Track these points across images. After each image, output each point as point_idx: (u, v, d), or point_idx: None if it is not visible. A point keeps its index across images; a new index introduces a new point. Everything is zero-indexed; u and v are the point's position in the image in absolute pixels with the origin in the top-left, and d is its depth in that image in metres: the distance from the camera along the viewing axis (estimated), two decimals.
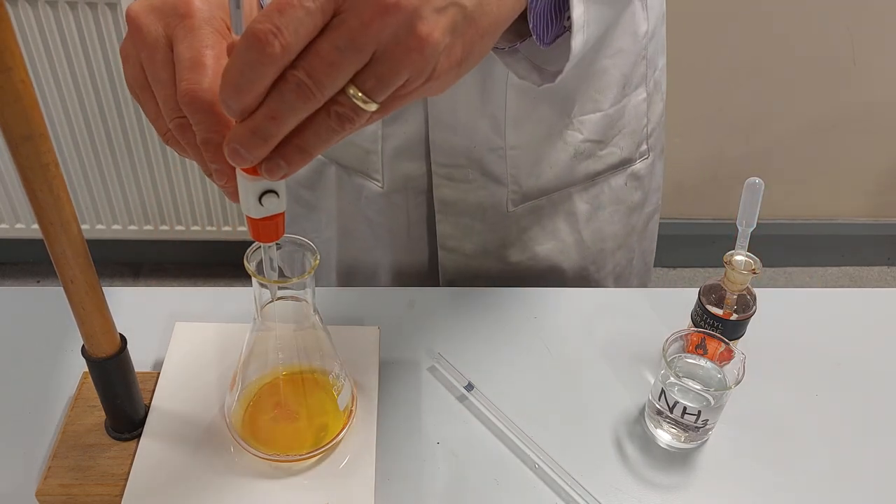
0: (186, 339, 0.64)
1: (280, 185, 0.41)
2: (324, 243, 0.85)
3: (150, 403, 0.59)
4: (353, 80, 0.35)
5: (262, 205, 0.41)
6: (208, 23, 0.39)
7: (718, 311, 0.63)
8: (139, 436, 0.56)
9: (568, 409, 0.63)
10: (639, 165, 0.79)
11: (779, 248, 2.04)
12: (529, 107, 0.70)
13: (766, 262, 0.63)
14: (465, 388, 0.63)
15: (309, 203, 0.84)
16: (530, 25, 0.47)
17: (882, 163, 1.91)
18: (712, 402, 0.57)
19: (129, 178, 1.69)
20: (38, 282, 1.92)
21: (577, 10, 0.47)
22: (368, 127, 0.69)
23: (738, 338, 0.64)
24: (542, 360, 0.67)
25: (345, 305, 0.71)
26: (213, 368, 0.62)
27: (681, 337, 0.60)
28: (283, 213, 0.43)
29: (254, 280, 0.49)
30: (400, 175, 0.75)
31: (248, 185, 0.40)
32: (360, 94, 0.35)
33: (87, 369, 0.53)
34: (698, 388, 0.58)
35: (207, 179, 0.43)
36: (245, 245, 0.47)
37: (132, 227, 1.77)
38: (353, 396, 0.58)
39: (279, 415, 0.57)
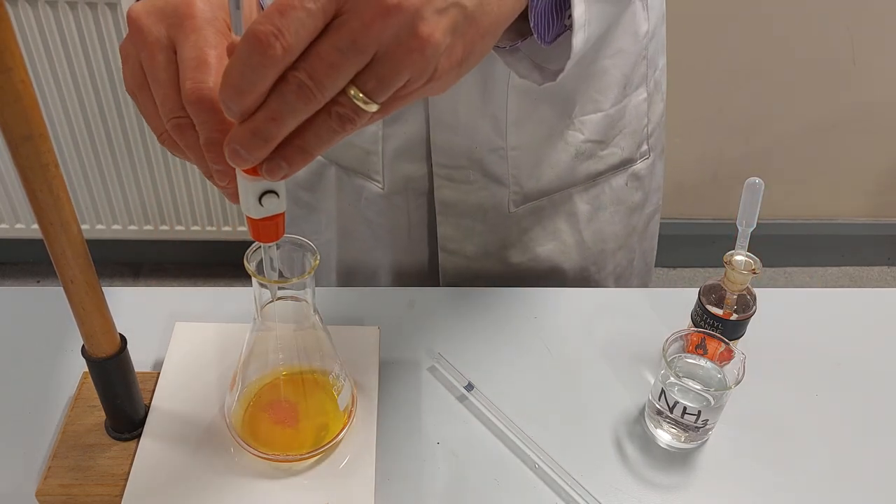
0: (186, 339, 0.64)
1: (280, 186, 0.41)
2: (323, 245, 0.85)
3: (150, 403, 0.59)
4: (353, 81, 0.35)
5: (262, 205, 0.41)
6: (210, 23, 0.39)
7: (718, 311, 0.63)
8: (139, 436, 0.56)
9: (568, 409, 0.63)
10: (639, 165, 0.79)
11: (779, 248, 2.04)
12: (530, 107, 0.70)
13: (766, 262, 0.63)
14: (465, 388, 0.63)
15: (308, 205, 0.84)
16: (531, 24, 0.47)
17: (882, 163, 1.91)
18: (712, 402, 0.57)
19: (129, 178, 1.69)
20: (38, 282, 1.92)
21: (579, 9, 0.48)
22: (369, 127, 0.70)
23: (738, 338, 0.64)
24: (542, 360, 0.67)
25: (345, 305, 0.71)
26: (213, 368, 0.62)
27: (681, 337, 0.60)
28: (283, 214, 0.43)
29: (254, 280, 0.49)
30: (400, 176, 0.74)
31: (248, 186, 0.40)
32: (360, 95, 0.35)
33: (87, 369, 0.53)
34: (698, 388, 0.58)
35: (207, 180, 0.43)
36: (245, 245, 0.47)
37: (132, 227, 1.77)
38: (353, 396, 0.58)
39: (279, 415, 0.57)
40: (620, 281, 0.86)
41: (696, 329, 0.63)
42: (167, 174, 1.68)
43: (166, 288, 0.74)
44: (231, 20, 0.36)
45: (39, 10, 1.43)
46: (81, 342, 0.51)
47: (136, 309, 0.68)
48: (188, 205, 1.74)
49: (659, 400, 0.59)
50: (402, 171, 0.74)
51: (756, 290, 0.64)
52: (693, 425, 0.58)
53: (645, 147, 0.79)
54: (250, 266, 0.48)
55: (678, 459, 0.60)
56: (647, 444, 0.61)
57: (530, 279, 0.80)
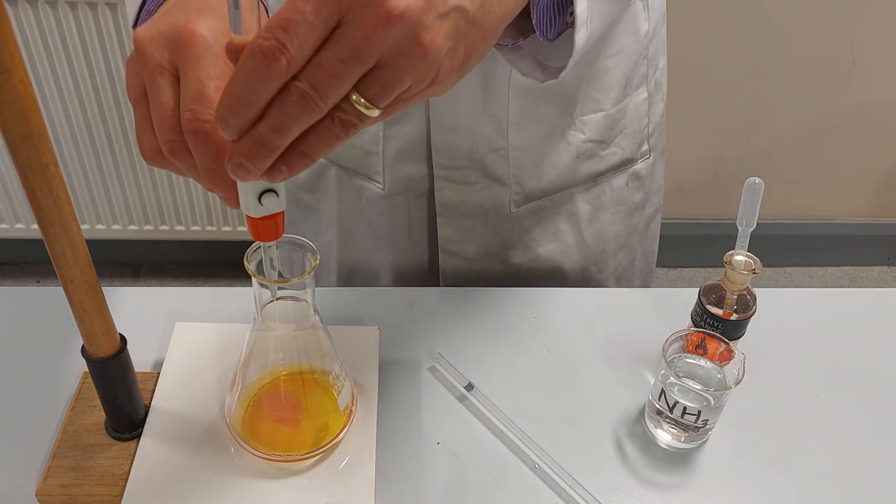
0: (186, 339, 0.64)
1: (279, 185, 0.41)
2: (324, 246, 0.85)
3: (150, 403, 0.59)
4: (356, 87, 0.35)
5: (261, 204, 0.41)
6: (211, 50, 0.39)
7: (718, 311, 0.63)
8: (139, 436, 0.56)
9: (568, 409, 0.63)
10: (640, 165, 0.79)
11: (779, 248, 2.04)
12: (532, 107, 0.70)
13: (766, 262, 0.63)
14: (465, 388, 0.63)
15: (309, 206, 0.84)
16: (533, 21, 0.47)
17: (882, 163, 1.91)
18: (712, 402, 0.57)
19: (129, 178, 1.69)
20: (38, 282, 1.92)
21: (581, 5, 0.47)
22: (370, 128, 0.70)
23: (738, 338, 0.64)
24: (542, 360, 0.67)
25: (345, 305, 0.71)
26: (213, 368, 0.62)
27: (681, 337, 0.60)
28: (282, 213, 0.43)
29: (254, 280, 0.49)
30: (401, 177, 0.74)
31: (247, 185, 0.40)
32: (363, 101, 0.35)
33: (87, 369, 0.53)
34: (698, 388, 0.58)
35: None
36: (245, 245, 0.47)
37: (132, 227, 1.77)
38: (353, 396, 0.58)
39: (279, 415, 0.57)
40: (622, 281, 0.86)
41: (696, 329, 0.63)
42: (167, 174, 1.68)
43: (166, 288, 0.74)
44: (230, 19, 0.36)
45: (39, 10, 1.43)
46: (81, 342, 0.51)
47: (136, 309, 0.68)
48: (188, 205, 1.74)
49: (659, 400, 0.59)
50: (402, 172, 0.74)
51: (756, 290, 0.64)
52: (693, 425, 0.58)
53: (646, 147, 0.79)
54: (250, 266, 0.48)
55: (678, 459, 0.60)
56: (647, 444, 0.61)
57: (531, 280, 0.80)
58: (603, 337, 0.70)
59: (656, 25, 0.74)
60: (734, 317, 0.62)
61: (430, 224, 0.79)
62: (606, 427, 0.62)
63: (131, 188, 1.70)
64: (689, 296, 0.67)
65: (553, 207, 0.77)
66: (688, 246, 1.97)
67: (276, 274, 0.47)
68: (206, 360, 0.63)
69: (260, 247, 0.47)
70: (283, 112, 0.35)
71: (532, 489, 0.57)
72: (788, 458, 0.60)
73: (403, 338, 0.68)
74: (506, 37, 0.52)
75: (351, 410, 0.57)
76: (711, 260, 2.02)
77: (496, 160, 0.72)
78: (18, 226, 1.75)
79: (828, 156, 1.88)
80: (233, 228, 1.78)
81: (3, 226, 1.74)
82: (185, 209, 1.74)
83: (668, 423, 0.59)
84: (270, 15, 0.53)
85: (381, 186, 0.75)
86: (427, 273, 0.82)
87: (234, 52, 0.36)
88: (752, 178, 0.60)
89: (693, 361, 0.61)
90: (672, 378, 0.58)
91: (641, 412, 0.63)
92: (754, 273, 0.61)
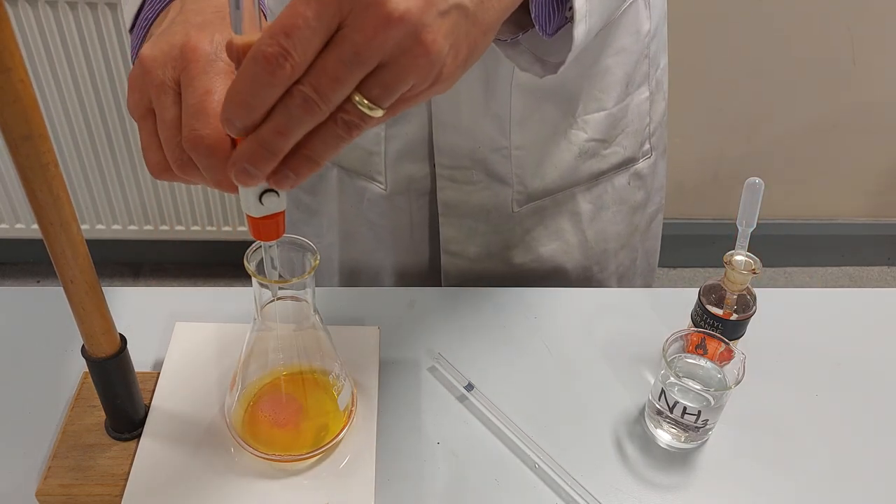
0: (186, 339, 0.64)
1: None
2: (325, 248, 0.85)
3: (150, 403, 0.59)
4: (358, 88, 0.35)
5: (262, 203, 0.41)
6: (213, 64, 0.39)
7: (718, 311, 0.63)
8: (139, 436, 0.56)
9: (568, 409, 0.63)
10: (641, 164, 0.80)
11: (779, 248, 2.04)
12: (534, 106, 0.70)
13: (766, 262, 0.63)
14: (465, 388, 0.63)
15: (310, 208, 0.84)
16: (532, 15, 0.47)
17: (882, 163, 1.91)
18: (712, 402, 0.57)
19: (129, 178, 1.69)
20: (38, 282, 1.92)
21: (579, 0, 0.47)
22: (372, 129, 0.69)
23: (738, 338, 0.64)
24: (542, 360, 0.67)
25: (345, 305, 0.71)
26: (213, 368, 0.62)
27: (681, 337, 0.60)
28: (283, 212, 0.43)
29: (254, 280, 0.49)
30: (403, 177, 0.74)
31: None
32: (366, 102, 0.35)
33: (87, 369, 0.53)
34: (698, 388, 0.58)
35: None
36: (245, 245, 0.47)
37: (132, 227, 1.77)
38: (353, 396, 0.58)
39: (279, 415, 0.57)
40: (623, 281, 0.86)
41: (696, 329, 0.63)
42: None
43: (166, 288, 0.74)
44: (231, 19, 0.36)
45: (39, 10, 1.43)
46: (81, 342, 0.51)
47: (136, 309, 0.68)
48: (188, 205, 1.74)
49: (659, 400, 0.59)
50: (404, 172, 0.74)
51: (756, 290, 0.64)
52: (693, 425, 0.58)
53: (647, 146, 0.79)
54: (250, 266, 0.48)
55: (678, 459, 0.60)
56: (647, 444, 0.61)
57: (533, 280, 0.80)
58: (603, 337, 0.70)
59: (658, 24, 0.75)
60: (734, 317, 0.62)
61: (431, 224, 0.79)
62: (606, 427, 0.62)
63: (131, 188, 1.70)
64: (689, 296, 0.67)
65: (555, 207, 0.77)
66: (688, 246, 1.97)
67: (276, 274, 0.47)
68: (206, 360, 0.63)
69: (260, 247, 0.47)
70: (286, 115, 0.35)
71: (532, 489, 0.57)
72: (788, 458, 0.60)
73: (403, 338, 0.68)
74: (504, 32, 0.52)
75: (351, 410, 0.57)
76: (711, 260, 2.02)
77: (498, 159, 0.72)
78: (18, 226, 1.75)
79: (828, 156, 1.88)
80: (233, 228, 1.78)
81: (3, 226, 1.74)
82: (185, 209, 1.74)
83: (668, 423, 0.59)
84: (267, 13, 0.54)
85: (382, 187, 0.75)
86: (429, 273, 0.82)
87: (235, 53, 0.36)
88: (752, 178, 0.60)
89: (693, 361, 0.61)
90: (672, 378, 0.58)
91: (641, 412, 0.63)
92: (754, 273, 0.61)
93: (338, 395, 0.55)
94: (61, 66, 1.50)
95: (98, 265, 0.47)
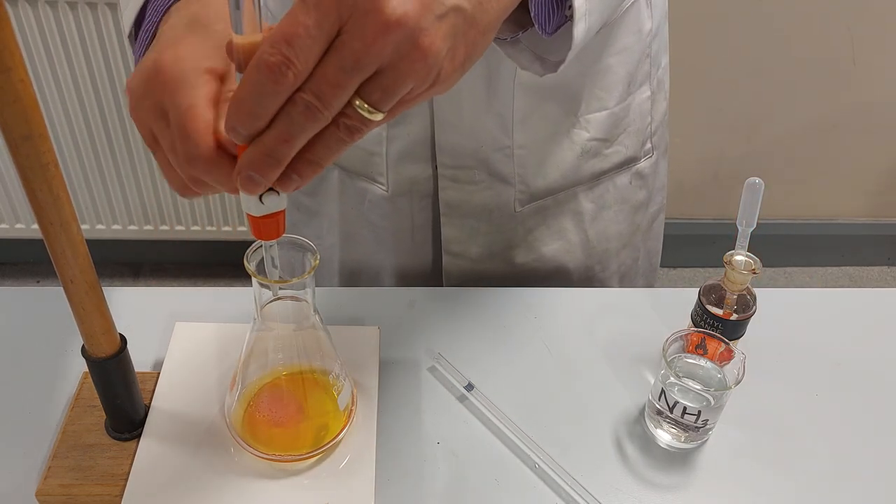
0: (186, 339, 0.64)
1: None
2: (326, 249, 0.85)
3: (150, 403, 0.59)
4: (358, 92, 0.36)
5: (262, 203, 0.41)
6: (184, 80, 0.40)
7: (718, 311, 0.63)
8: (139, 436, 0.56)
9: (568, 409, 0.63)
10: (643, 164, 0.80)
11: (779, 248, 2.04)
12: (537, 105, 0.70)
13: (766, 262, 0.63)
14: (465, 388, 0.63)
15: (310, 209, 0.84)
16: (532, 14, 0.47)
17: (882, 163, 1.91)
18: (712, 402, 0.57)
19: (129, 178, 1.69)
20: (38, 282, 1.92)
21: None
22: (373, 130, 0.69)
23: (738, 338, 0.64)
24: (542, 360, 0.67)
25: (345, 305, 0.71)
26: (213, 368, 0.62)
27: (681, 337, 0.60)
28: (283, 211, 0.43)
29: (254, 280, 0.49)
30: (405, 178, 0.74)
31: None
32: (366, 106, 0.36)
33: (87, 369, 0.53)
34: (698, 388, 0.58)
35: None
36: (245, 245, 0.47)
37: (132, 227, 1.77)
38: (353, 396, 0.58)
39: (279, 415, 0.57)
40: (625, 280, 0.86)
41: (696, 329, 0.63)
42: None
43: (166, 288, 0.73)
44: (231, 20, 0.36)
45: (39, 10, 1.43)
46: (81, 342, 0.51)
47: (136, 309, 0.68)
48: (188, 205, 1.74)
49: (659, 400, 0.59)
50: (406, 173, 0.74)
51: (756, 290, 0.64)
52: (693, 425, 0.58)
53: (648, 145, 0.79)
54: (250, 266, 0.48)
55: (678, 459, 0.60)
56: (647, 444, 0.61)
57: (535, 279, 0.80)
58: (603, 337, 0.69)
59: (659, 24, 0.75)
60: (734, 317, 0.62)
61: (433, 225, 0.79)
62: (606, 427, 0.62)
63: (131, 188, 1.70)
64: (689, 296, 0.67)
65: (557, 206, 0.77)
66: (688, 246, 1.97)
67: (276, 274, 0.47)
68: (206, 360, 0.63)
69: (260, 247, 0.47)
70: (289, 123, 0.35)
71: (532, 489, 0.57)
72: (788, 458, 0.60)
73: (403, 338, 0.68)
74: (504, 31, 0.52)
75: (351, 410, 0.57)
76: (711, 260, 2.02)
77: (501, 159, 0.72)
78: (18, 226, 1.75)
79: (828, 156, 1.88)
80: (233, 228, 1.78)
81: (3, 226, 1.74)
82: (185, 209, 1.74)
83: (668, 423, 0.59)
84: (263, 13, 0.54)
85: (384, 188, 0.75)
86: (429, 274, 0.82)
87: (236, 54, 0.37)
88: (752, 178, 0.60)
89: (693, 361, 0.61)
90: (672, 378, 0.58)
91: (641, 412, 0.63)
92: (754, 273, 0.61)
93: (338, 395, 0.55)
94: (61, 66, 1.50)
95: (98, 265, 0.47)
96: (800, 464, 0.60)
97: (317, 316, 0.53)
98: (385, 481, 0.56)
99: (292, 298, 0.51)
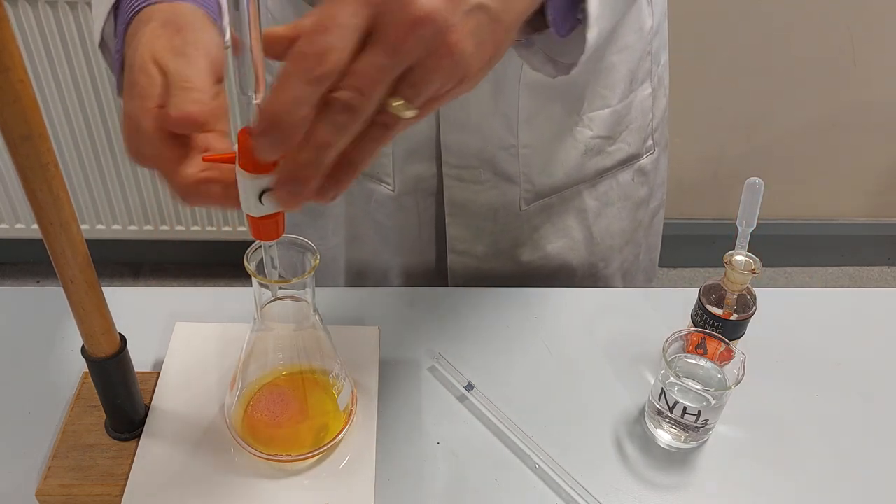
0: (186, 339, 0.64)
1: None
2: (331, 250, 0.85)
3: (150, 403, 0.59)
4: (389, 91, 0.36)
5: (262, 203, 0.41)
6: (136, 117, 0.42)
7: (718, 311, 0.63)
8: (139, 436, 0.56)
9: (568, 409, 0.63)
10: (645, 160, 0.80)
11: (779, 248, 2.04)
12: (541, 104, 0.70)
13: (766, 262, 0.63)
14: (465, 388, 0.63)
15: (315, 210, 0.84)
16: (549, 18, 0.47)
17: (882, 163, 1.91)
18: (712, 402, 0.57)
19: (129, 178, 1.69)
20: (38, 282, 1.92)
21: (593, 4, 0.48)
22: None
23: (738, 338, 0.64)
24: (542, 360, 0.67)
25: (345, 305, 0.71)
26: (213, 368, 0.62)
27: (681, 337, 0.60)
28: (283, 212, 0.43)
29: (254, 280, 0.49)
30: (410, 177, 0.75)
31: (247, 184, 0.40)
32: (398, 104, 0.36)
33: (87, 369, 0.53)
34: (698, 388, 0.58)
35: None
36: (245, 245, 0.47)
37: (132, 227, 1.77)
38: (353, 396, 0.58)
39: (279, 415, 0.57)
40: (627, 277, 0.87)
41: (696, 329, 0.63)
42: None
43: (166, 288, 0.73)
44: (230, 19, 0.36)
45: (39, 10, 1.43)
46: (81, 342, 0.51)
47: (136, 309, 0.68)
48: None
49: (659, 400, 0.59)
50: (412, 172, 0.74)
51: (756, 290, 0.64)
52: (693, 425, 0.58)
53: (650, 142, 0.80)
54: (250, 266, 0.48)
55: (678, 459, 0.60)
56: (647, 444, 0.61)
57: (539, 277, 0.81)
58: (603, 337, 0.69)
59: (659, 21, 0.75)
60: (734, 317, 0.62)
61: (438, 224, 0.79)
62: (606, 427, 0.62)
63: (131, 188, 1.70)
64: (689, 296, 0.67)
65: (561, 204, 0.78)
66: (688, 246, 1.97)
67: (276, 274, 0.47)
68: (206, 360, 0.63)
69: (260, 247, 0.47)
70: (330, 124, 0.35)
71: (532, 489, 0.57)
72: (788, 458, 0.60)
73: (403, 338, 0.68)
74: (519, 32, 0.52)
75: (351, 410, 0.57)
76: (711, 260, 2.02)
77: (506, 158, 0.72)
78: (18, 226, 1.75)
79: (828, 155, 1.88)
80: (233, 228, 1.78)
81: (3, 226, 1.74)
82: (185, 209, 1.74)
83: (668, 423, 0.59)
84: (263, 14, 0.54)
85: (390, 188, 0.75)
86: (435, 273, 0.83)
87: (272, 46, 0.36)
88: (752, 178, 0.60)
89: (693, 361, 0.61)
90: (672, 378, 0.58)
91: (641, 412, 0.63)
92: (754, 273, 0.61)
93: (338, 395, 0.55)
94: (61, 66, 1.50)
95: (98, 265, 0.47)
96: (800, 464, 0.60)
97: (317, 316, 0.53)
98: (385, 481, 0.56)
99: (292, 298, 0.51)
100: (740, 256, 0.61)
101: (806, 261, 2.09)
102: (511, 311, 0.71)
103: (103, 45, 0.55)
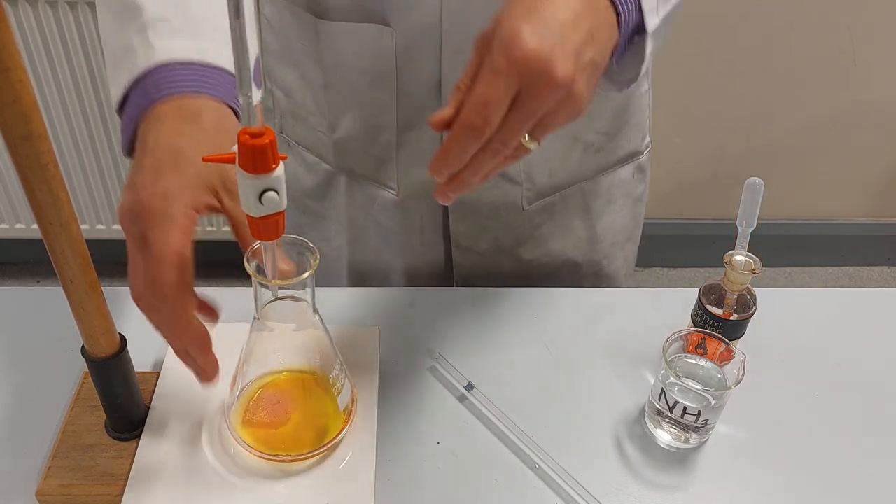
0: None
1: (280, 184, 0.41)
2: (333, 251, 0.85)
3: (150, 403, 0.59)
4: None
5: (262, 203, 0.41)
6: (167, 218, 0.45)
7: (718, 311, 0.63)
8: (139, 436, 0.56)
9: (568, 409, 0.63)
10: (644, 157, 0.81)
11: (779, 248, 2.04)
12: None
13: (766, 262, 0.63)
14: (465, 388, 0.63)
15: (317, 213, 0.84)
16: (614, 57, 0.52)
17: (882, 163, 1.91)
18: (712, 402, 0.57)
19: None
20: (38, 282, 1.92)
21: (651, 22, 0.52)
22: (384, 136, 0.70)
23: (738, 338, 0.64)
24: (542, 360, 0.67)
25: (345, 305, 0.71)
26: None
27: (681, 337, 0.60)
28: (283, 212, 0.43)
29: (254, 280, 0.49)
30: (415, 181, 0.75)
31: (248, 184, 0.40)
32: (528, 141, 0.47)
33: (87, 369, 0.53)
34: (698, 388, 0.58)
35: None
36: None
37: None
38: (353, 396, 0.58)
39: (279, 415, 0.57)
40: (628, 274, 0.87)
41: (696, 329, 0.63)
42: None
43: None
44: (230, 29, 0.36)
45: (39, 10, 1.43)
46: (81, 342, 0.51)
47: (136, 309, 0.68)
48: None
49: (659, 400, 0.59)
50: (416, 177, 0.74)
51: (756, 290, 0.64)
52: (693, 425, 0.58)
53: (648, 138, 0.81)
54: (250, 266, 0.48)
55: (678, 459, 0.60)
56: (647, 444, 0.61)
57: (543, 275, 0.81)
58: (603, 337, 0.70)
59: None
60: (734, 317, 0.62)
61: (442, 224, 0.79)
62: (606, 427, 0.62)
63: None
64: (689, 296, 0.67)
65: (564, 203, 0.78)
66: (688, 246, 1.97)
67: (276, 274, 0.47)
68: None
69: (260, 247, 0.47)
70: (481, 161, 0.46)
71: (532, 489, 0.57)
72: (788, 458, 0.60)
73: (403, 338, 0.68)
74: None
75: (351, 410, 0.57)
76: (711, 260, 2.02)
77: None
78: (18, 226, 1.75)
79: (828, 155, 1.88)
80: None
81: (3, 226, 1.74)
82: None
83: (668, 423, 0.59)
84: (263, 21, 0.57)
85: (394, 192, 0.76)
86: (439, 273, 0.83)
87: (440, 124, 0.45)
88: (752, 178, 0.60)
89: (693, 361, 0.61)
90: (672, 378, 0.58)
91: (641, 412, 0.63)
92: (754, 273, 0.61)
93: (338, 395, 0.55)
94: (61, 66, 1.50)
95: (98, 265, 0.47)
96: (800, 464, 0.60)
97: (317, 316, 0.53)
98: (385, 481, 0.56)
99: (292, 298, 0.51)
100: (740, 256, 0.61)
101: (806, 261, 2.09)
102: (511, 311, 0.71)
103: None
